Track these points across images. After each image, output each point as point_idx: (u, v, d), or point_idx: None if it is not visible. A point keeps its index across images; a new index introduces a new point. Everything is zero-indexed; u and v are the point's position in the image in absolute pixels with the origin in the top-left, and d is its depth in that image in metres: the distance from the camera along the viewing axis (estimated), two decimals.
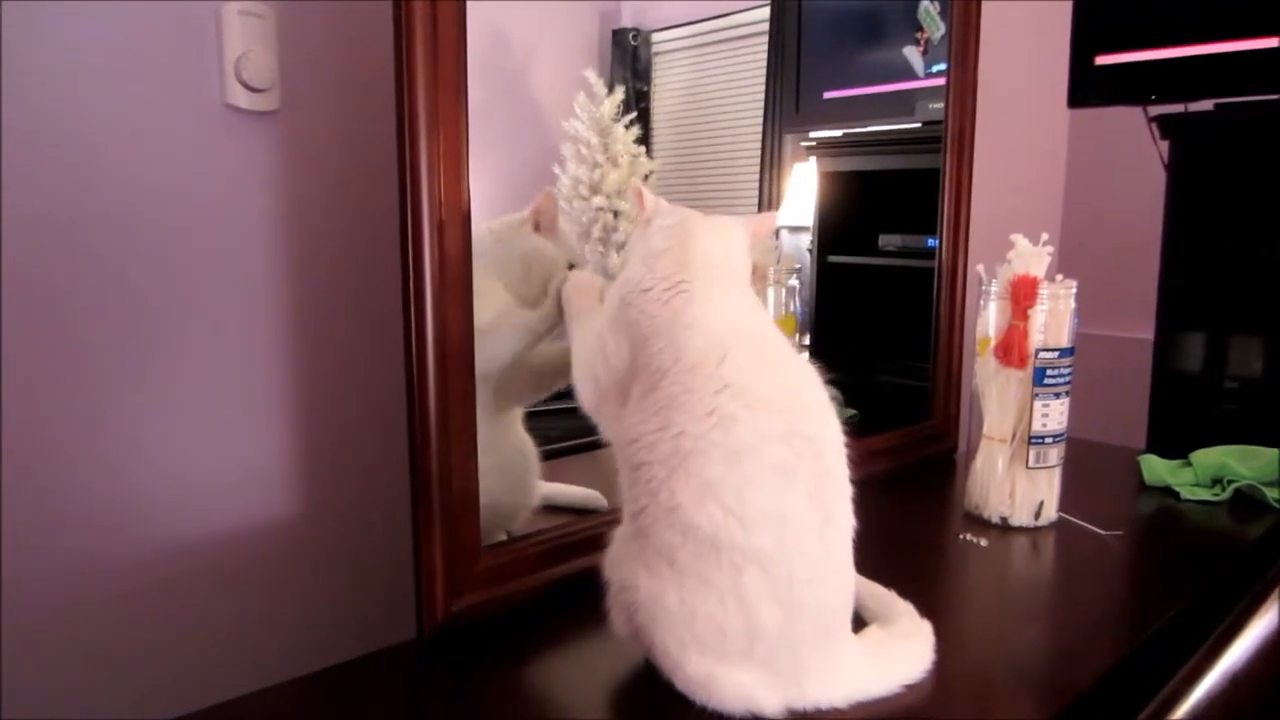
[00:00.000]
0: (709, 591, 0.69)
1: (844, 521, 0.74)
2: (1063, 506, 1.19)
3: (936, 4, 1.47)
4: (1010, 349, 1.14)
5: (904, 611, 0.85)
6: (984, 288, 1.18)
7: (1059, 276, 1.14)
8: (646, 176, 1.49)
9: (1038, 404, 1.14)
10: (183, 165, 0.89)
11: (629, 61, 1.54)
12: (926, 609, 0.86)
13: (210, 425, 0.93)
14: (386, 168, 0.82)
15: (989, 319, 1.17)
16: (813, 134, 1.58)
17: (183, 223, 0.89)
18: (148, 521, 0.89)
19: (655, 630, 0.72)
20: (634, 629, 0.75)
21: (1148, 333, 1.65)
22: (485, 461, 0.89)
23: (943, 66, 1.46)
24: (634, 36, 1.55)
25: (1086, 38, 1.58)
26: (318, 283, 0.99)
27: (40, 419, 0.82)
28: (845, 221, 1.58)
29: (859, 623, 0.81)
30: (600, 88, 1.43)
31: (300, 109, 0.96)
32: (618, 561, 0.76)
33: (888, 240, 1.61)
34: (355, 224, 1.00)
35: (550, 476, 1.10)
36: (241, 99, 0.91)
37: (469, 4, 0.83)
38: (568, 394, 0.90)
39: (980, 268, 1.18)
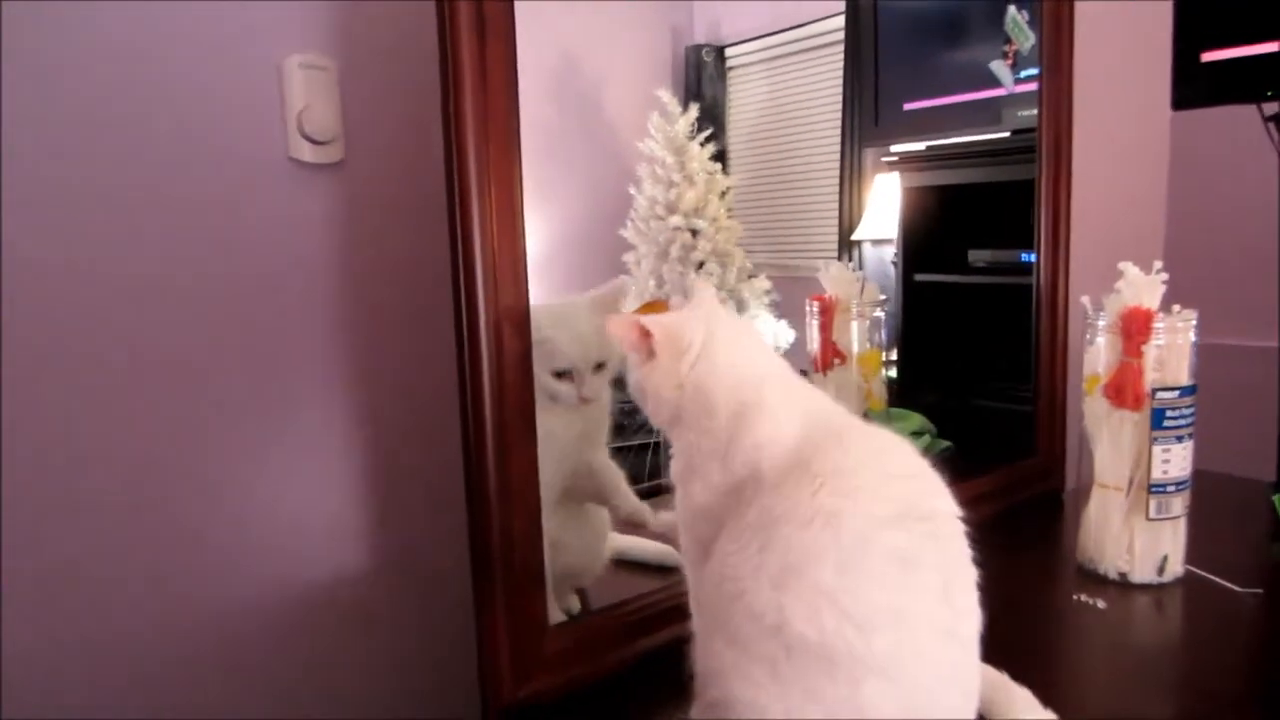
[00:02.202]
0: (818, 708, 0.62)
1: (971, 610, 0.66)
2: (1188, 557, 1.08)
3: (1024, 12, 1.37)
4: (1123, 389, 1.03)
5: (1024, 701, 0.76)
6: (1090, 321, 1.08)
7: (1176, 306, 1.04)
8: (724, 193, 1.45)
9: (1157, 449, 1.03)
10: (250, 220, 0.88)
11: (702, 78, 1.51)
12: (1042, 689, 0.77)
13: (274, 481, 0.91)
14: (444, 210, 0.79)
15: (1097, 355, 1.07)
16: (894, 148, 1.51)
17: (249, 278, 0.88)
18: (215, 578, 0.88)
19: None
20: None
21: (1272, 340, 1.51)
22: (553, 520, 0.85)
23: (1032, 72, 1.36)
24: (707, 53, 1.53)
25: (1191, 33, 1.45)
26: (382, 336, 0.96)
27: (99, 476, 0.81)
28: (932, 238, 1.50)
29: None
30: (674, 106, 1.41)
31: (363, 160, 0.93)
32: (711, 672, 0.68)
33: (977, 256, 1.52)
34: (419, 275, 0.96)
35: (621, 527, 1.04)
36: (305, 152, 0.90)
37: (541, 29, 0.79)
38: (639, 429, 0.86)
39: (1086, 299, 1.08)
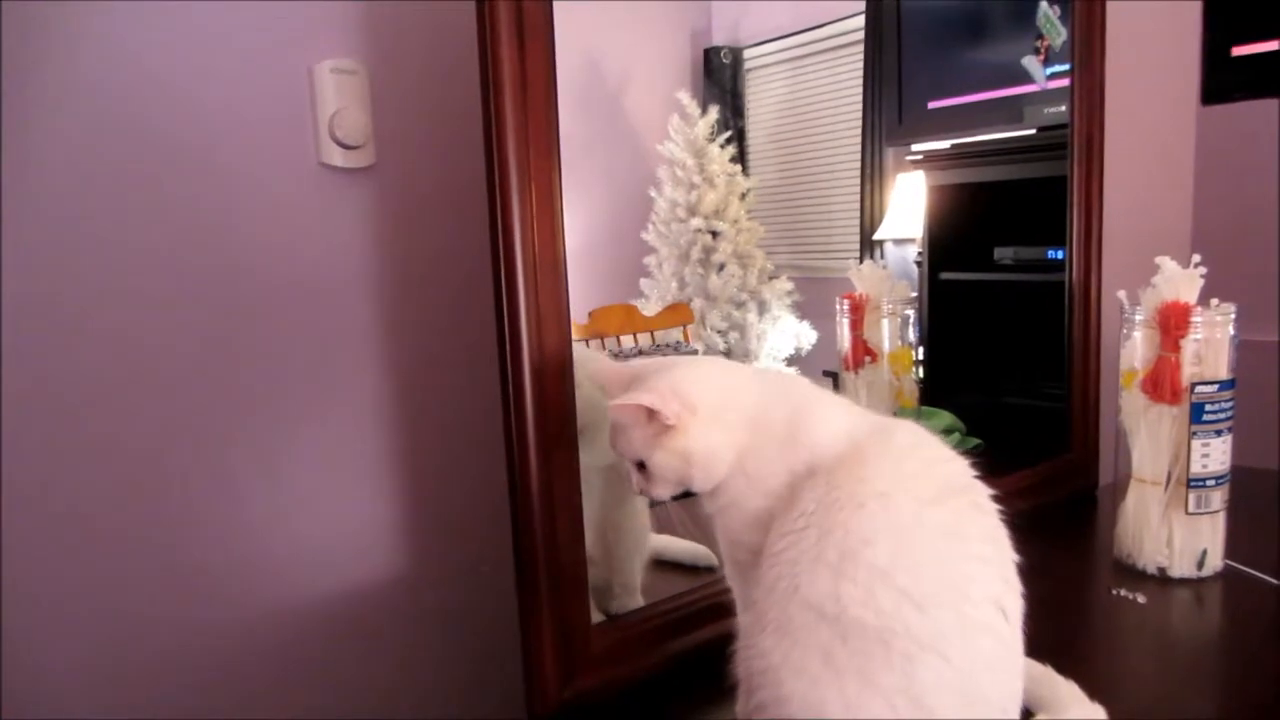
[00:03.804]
0: (874, 694, 0.62)
1: (1016, 585, 0.67)
2: (1228, 551, 1.07)
3: (1056, 7, 1.36)
4: (1161, 383, 1.03)
5: (1070, 695, 0.76)
6: (1126, 315, 1.07)
7: (1214, 300, 1.03)
8: (744, 195, 1.44)
9: (1196, 443, 1.03)
10: (281, 226, 0.88)
11: (722, 80, 1.51)
12: (1084, 683, 0.77)
13: (314, 487, 0.91)
14: (482, 221, 0.78)
15: (1134, 350, 1.06)
16: (917, 146, 1.50)
17: (282, 285, 0.88)
18: (248, 584, 0.88)
19: None
20: None
21: None
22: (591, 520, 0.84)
23: (1061, 68, 1.35)
24: (726, 55, 1.52)
25: (1222, 27, 1.45)
26: (418, 340, 0.96)
27: (146, 482, 0.82)
28: (957, 237, 1.50)
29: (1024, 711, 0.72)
30: (694, 108, 1.41)
31: (394, 165, 0.94)
32: (757, 672, 0.67)
33: (1003, 254, 1.51)
34: (452, 279, 0.97)
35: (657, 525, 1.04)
36: (336, 157, 0.90)
37: (559, 31, 0.79)
38: None
39: (1123, 294, 1.08)
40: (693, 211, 1.43)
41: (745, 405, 0.72)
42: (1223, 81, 1.46)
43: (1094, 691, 0.76)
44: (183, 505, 0.83)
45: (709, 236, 1.45)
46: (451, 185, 0.95)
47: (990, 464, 0.71)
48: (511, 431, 0.78)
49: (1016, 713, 0.68)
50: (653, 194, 1.37)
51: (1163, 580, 1.06)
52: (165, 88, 0.80)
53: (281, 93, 0.87)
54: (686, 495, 0.75)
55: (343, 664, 0.93)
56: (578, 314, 0.91)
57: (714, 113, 1.43)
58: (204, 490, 0.84)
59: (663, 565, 1.04)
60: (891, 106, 1.49)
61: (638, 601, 0.95)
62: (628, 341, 1.41)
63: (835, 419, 0.72)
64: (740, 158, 1.50)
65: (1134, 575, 1.07)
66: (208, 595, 0.85)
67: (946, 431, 1.36)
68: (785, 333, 1.52)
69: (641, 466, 0.72)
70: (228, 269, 0.84)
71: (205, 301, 0.83)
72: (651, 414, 0.70)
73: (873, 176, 1.50)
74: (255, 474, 0.87)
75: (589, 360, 0.79)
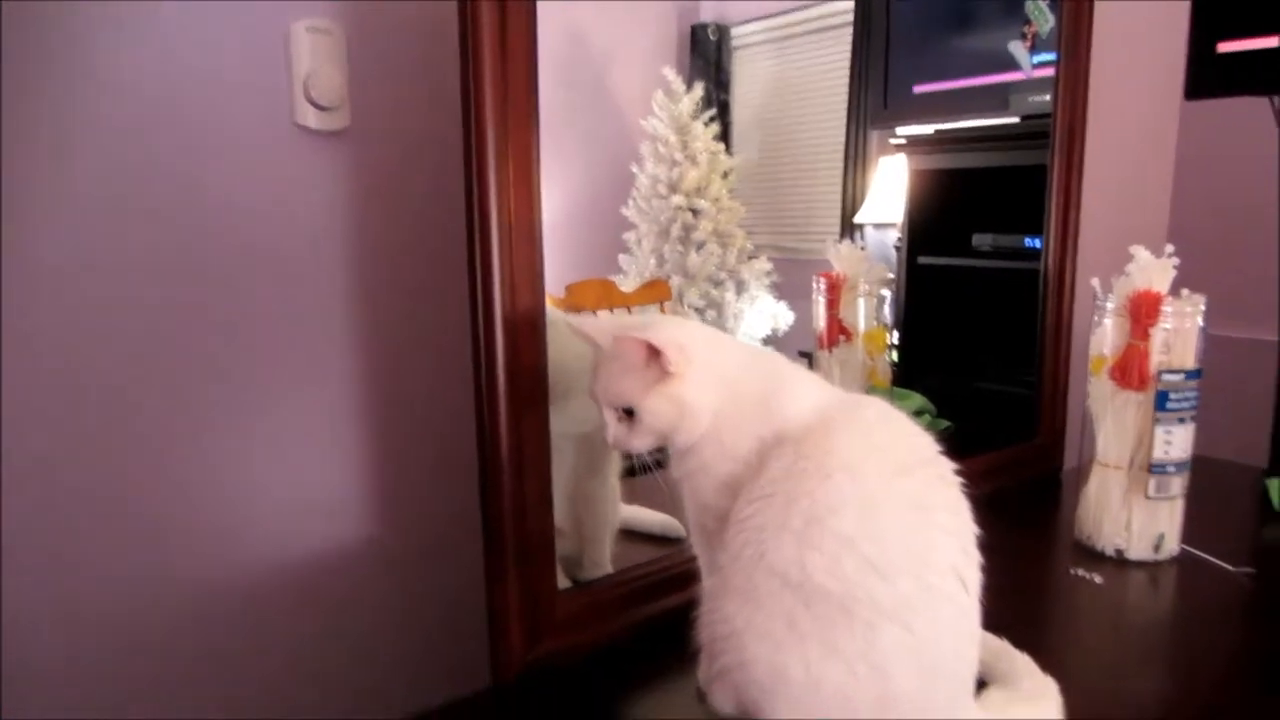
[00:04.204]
0: (836, 659, 0.63)
1: (976, 557, 0.68)
2: (1183, 536, 1.10)
3: None
4: (1129, 370, 1.04)
5: (1025, 668, 0.78)
6: (1099, 303, 1.08)
7: (1185, 291, 1.04)
8: (726, 173, 1.44)
9: (1159, 430, 1.05)
10: (253, 188, 0.87)
11: (708, 57, 1.50)
12: (1039, 658, 0.79)
13: (283, 448, 0.91)
14: (457, 185, 0.78)
15: (1105, 336, 1.08)
16: (901, 130, 1.51)
17: (253, 247, 0.87)
18: (218, 546, 0.88)
19: (772, 705, 0.66)
20: (743, 706, 0.69)
21: (1271, 334, 1.52)
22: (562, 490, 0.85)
23: (1047, 56, 1.36)
24: (713, 32, 1.51)
25: (1208, 23, 1.45)
26: (391, 305, 0.96)
27: (116, 444, 0.81)
28: (936, 221, 1.51)
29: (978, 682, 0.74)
30: (679, 85, 1.40)
31: (370, 127, 0.92)
32: (720, 637, 0.69)
33: (981, 240, 1.52)
34: (427, 243, 0.96)
35: (626, 496, 1.04)
36: (311, 118, 0.88)
37: (545, 4, 0.78)
38: None
39: (1095, 281, 1.09)
40: (674, 188, 1.42)
41: (727, 368, 0.73)
42: (1207, 77, 1.46)
43: (1048, 665, 0.78)
44: (148, 465, 0.83)
45: (690, 214, 1.44)
46: (428, 148, 0.94)
47: (958, 446, 0.72)
48: (482, 394, 0.78)
49: (973, 682, 0.70)
50: (634, 170, 1.37)
51: (1120, 562, 1.08)
52: (138, 45, 0.79)
53: (255, 51, 0.85)
54: (658, 465, 0.76)
55: (309, 627, 0.94)
56: (554, 288, 0.91)
57: (699, 90, 1.42)
58: (170, 450, 0.84)
59: (632, 536, 1.04)
60: (877, 90, 1.49)
61: (606, 570, 0.96)
62: (605, 316, 1.41)
63: (808, 392, 0.73)
64: (724, 136, 1.49)
65: (1092, 556, 1.10)
66: (173, 555, 0.85)
67: (917, 413, 1.37)
68: (762, 313, 1.52)
69: (629, 414, 0.72)
70: (198, 230, 0.83)
71: (174, 261, 0.82)
72: (653, 357, 0.70)
73: (855, 159, 1.50)
74: (223, 435, 0.87)
75: (569, 319, 0.78)
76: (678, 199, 1.41)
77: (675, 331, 0.72)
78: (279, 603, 0.92)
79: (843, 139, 1.50)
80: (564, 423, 0.85)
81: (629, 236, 1.41)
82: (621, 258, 1.44)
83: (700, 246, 1.47)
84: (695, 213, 1.43)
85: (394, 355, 0.96)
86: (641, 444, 0.72)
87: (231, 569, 0.89)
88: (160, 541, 0.84)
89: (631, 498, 1.05)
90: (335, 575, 0.95)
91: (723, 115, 1.49)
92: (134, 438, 0.82)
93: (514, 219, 0.77)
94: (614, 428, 0.72)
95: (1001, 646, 0.80)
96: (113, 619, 0.82)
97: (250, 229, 0.86)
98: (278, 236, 0.88)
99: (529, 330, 0.79)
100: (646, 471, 0.76)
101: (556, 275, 0.98)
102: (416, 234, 0.96)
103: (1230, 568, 1.05)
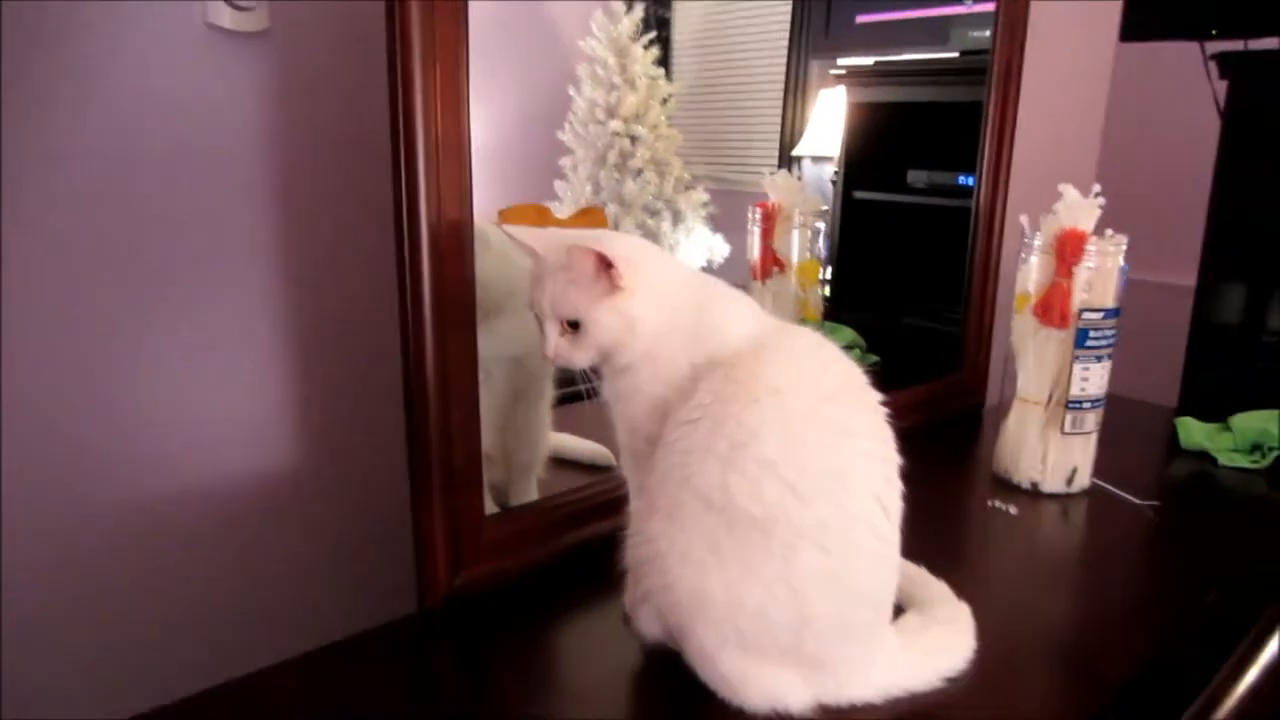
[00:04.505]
0: (756, 580, 0.64)
1: (897, 485, 0.70)
2: (1096, 471, 1.14)
3: None
4: (1051, 308, 1.06)
5: (941, 594, 0.80)
6: (1026, 240, 1.10)
7: (1108, 231, 1.06)
8: (665, 100, 1.42)
9: (1077, 367, 1.07)
10: (164, 91, 0.82)
11: None
12: (956, 584, 0.82)
13: (201, 372, 0.88)
14: (385, 93, 0.74)
15: (1030, 274, 1.10)
16: (842, 61, 1.49)
17: (165, 155, 0.82)
18: (136, 472, 0.85)
19: (695, 626, 0.67)
20: (667, 629, 0.70)
21: (1189, 279, 1.57)
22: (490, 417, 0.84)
23: None
24: None
25: None
26: (313, 219, 0.92)
27: (29, 368, 0.78)
28: (873, 156, 1.50)
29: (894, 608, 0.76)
30: (619, 5, 1.35)
31: (291, 30, 0.88)
32: (646, 560, 0.69)
33: (916, 176, 1.53)
34: (352, 156, 0.92)
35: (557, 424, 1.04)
36: (225, 18, 0.83)
37: None
38: None
39: (1024, 219, 1.10)
40: (612, 113, 1.39)
41: (672, 288, 0.73)
42: (1143, 20, 1.48)
43: (963, 592, 0.81)
44: (60, 382, 0.79)
45: (627, 141, 1.41)
46: (353, 55, 0.90)
47: (885, 381, 0.73)
48: (407, 315, 0.76)
49: (890, 607, 0.72)
50: (571, 93, 1.33)
51: (1035, 495, 1.11)
52: None
53: None
54: (591, 394, 0.75)
55: (236, 552, 0.92)
56: (487, 212, 0.88)
57: (639, 11, 1.38)
58: (84, 365, 0.81)
59: (562, 463, 1.04)
60: (819, 18, 1.47)
61: (534, 497, 0.96)
62: (545, 230, 1.38)
63: (744, 319, 0.73)
64: (664, 61, 1.46)
65: (1009, 489, 1.13)
66: (89, 477, 0.82)
67: (847, 348, 1.37)
68: (698, 244, 1.51)
69: (573, 328, 0.71)
70: (106, 133, 0.79)
71: (82, 166, 0.78)
72: (603, 270, 0.69)
73: (795, 90, 1.49)
74: (139, 352, 0.84)
75: (507, 229, 0.76)
76: (615, 124, 1.38)
77: (627, 246, 0.71)
78: (205, 528, 0.90)
79: (784, 69, 1.48)
80: (492, 344, 0.83)
81: (565, 162, 1.38)
82: (557, 184, 1.41)
83: (637, 174, 1.45)
84: (633, 139, 1.41)
85: (318, 272, 0.93)
86: (583, 358, 0.71)
87: (154, 493, 0.86)
88: (80, 464, 0.81)
89: (561, 426, 1.05)
90: (261, 500, 0.93)
91: (664, 40, 1.46)
92: (42, 350, 0.78)
93: (441, 138, 0.74)
94: (555, 340, 0.71)
95: (919, 573, 0.82)
96: (33, 542, 0.79)
97: (161, 134, 0.82)
98: (191, 145, 0.83)
99: (456, 253, 0.77)
100: (580, 400, 0.75)
101: (491, 200, 0.95)
102: (341, 145, 0.92)
103: (1137, 501, 1.09)
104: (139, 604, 0.86)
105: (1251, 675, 0.81)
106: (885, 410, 0.71)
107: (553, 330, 0.71)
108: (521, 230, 0.73)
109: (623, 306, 0.69)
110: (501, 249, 0.84)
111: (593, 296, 0.69)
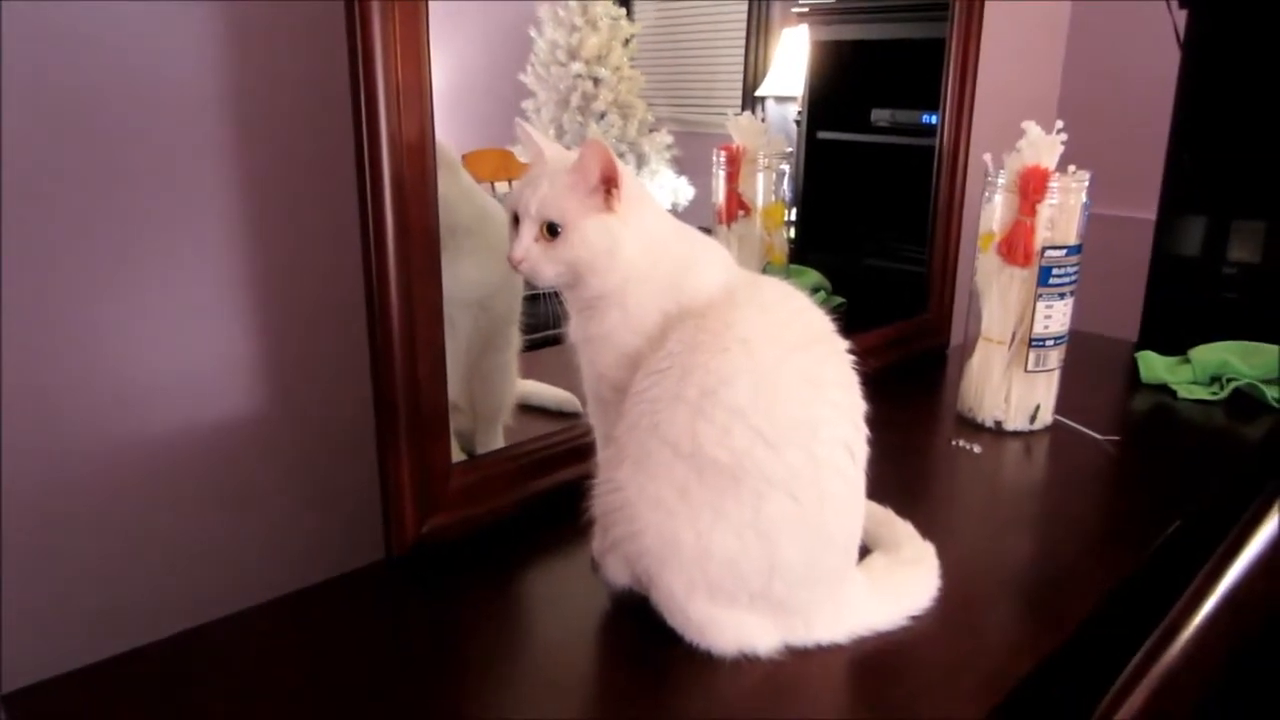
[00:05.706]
0: (725, 527, 0.64)
1: (864, 431, 0.70)
2: (1058, 407, 1.15)
3: None
4: (1015, 246, 1.07)
5: (906, 535, 0.81)
6: (990, 179, 1.10)
7: (1071, 168, 1.06)
8: (628, 41, 1.39)
9: (1040, 305, 1.08)
10: (113, 26, 0.77)
11: None
12: (921, 523, 0.83)
13: (159, 316, 0.85)
14: (343, 32, 0.72)
15: (993, 213, 1.10)
16: None
17: (118, 93, 0.79)
18: (97, 420, 0.83)
19: (663, 573, 0.67)
20: (636, 575, 0.70)
21: (1148, 212, 1.58)
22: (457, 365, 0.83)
23: None
24: None
25: None
26: (275, 160, 0.89)
27: None
28: (836, 95, 1.49)
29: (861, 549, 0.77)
30: None
31: None
32: (614, 508, 0.69)
33: (880, 115, 1.52)
34: (314, 95, 0.89)
35: (525, 371, 1.04)
36: None
37: None
38: None
39: (987, 157, 1.10)
40: (574, 55, 1.36)
41: (657, 238, 0.72)
42: None
43: (928, 531, 0.82)
44: (21, 333, 0.77)
45: (590, 83, 1.39)
46: None
47: (851, 323, 0.74)
48: (371, 265, 0.75)
49: (856, 549, 0.72)
50: (533, 34, 1.30)
51: (998, 433, 1.13)
52: None
53: None
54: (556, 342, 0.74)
55: (203, 501, 0.91)
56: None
57: None
58: (40, 310, 0.78)
59: (529, 410, 1.04)
60: None
61: (500, 444, 0.96)
62: (503, 188, 1.36)
63: (715, 270, 0.73)
64: (625, 1, 1.43)
65: (973, 428, 1.14)
66: (46, 423, 0.80)
67: (813, 290, 1.39)
68: (663, 187, 1.50)
69: (552, 235, 0.69)
70: (53, 69, 0.75)
71: (32, 105, 0.74)
72: (602, 183, 0.69)
73: (758, 30, 1.46)
74: (98, 295, 0.81)
75: (528, 128, 0.74)
76: (577, 66, 1.35)
77: (635, 181, 0.72)
78: (171, 477, 0.88)
79: (745, 6, 1.46)
80: (456, 287, 0.82)
81: (527, 105, 1.35)
82: (520, 127, 1.39)
83: (601, 117, 1.43)
84: (596, 81, 1.38)
85: (279, 216, 0.90)
86: (550, 271, 0.70)
87: (109, 439, 0.84)
88: (38, 412, 0.79)
89: (529, 373, 1.04)
90: (227, 448, 0.91)
91: None
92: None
93: (401, 84, 0.72)
94: (527, 244, 0.69)
95: (885, 514, 0.83)
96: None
97: (115, 71, 0.78)
98: (145, 81, 0.80)
99: (419, 193, 0.75)
100: (547, 346, 0.75)
101: (453, 144, 0.93)
102: (303, 84, 0.88)
103: (1099, 436, 1.11)
104: (103, 553, 0.85)
105: (1209, 605, 0.83)
106: (852, 358, 0.71)
107: (529, 232, 0.69)
108: (537, 133, 0.73)
109: (612, 225, 0.69)
110: (469, 183, 0.83)
111: (585, 208, 0.69)
